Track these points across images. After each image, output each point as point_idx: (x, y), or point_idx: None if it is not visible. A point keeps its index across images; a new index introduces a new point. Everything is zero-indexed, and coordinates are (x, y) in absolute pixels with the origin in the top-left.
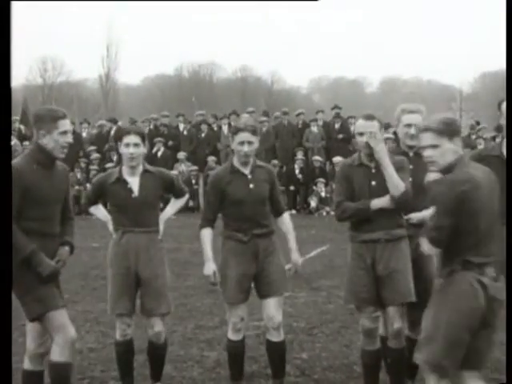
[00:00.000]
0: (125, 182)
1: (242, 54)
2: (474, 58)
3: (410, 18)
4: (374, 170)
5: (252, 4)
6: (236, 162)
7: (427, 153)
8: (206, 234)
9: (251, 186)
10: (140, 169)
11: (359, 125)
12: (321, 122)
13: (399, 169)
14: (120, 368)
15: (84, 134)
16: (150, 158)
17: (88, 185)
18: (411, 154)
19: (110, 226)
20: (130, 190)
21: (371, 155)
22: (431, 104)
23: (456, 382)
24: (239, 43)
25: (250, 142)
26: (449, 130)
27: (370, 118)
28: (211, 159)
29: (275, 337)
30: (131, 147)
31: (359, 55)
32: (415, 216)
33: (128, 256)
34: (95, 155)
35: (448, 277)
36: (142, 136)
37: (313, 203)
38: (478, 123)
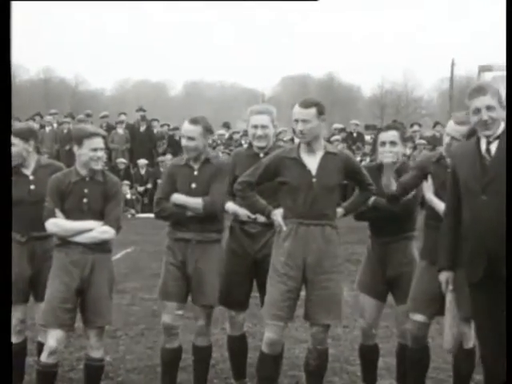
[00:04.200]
0: None
1: (45, 55)
2: (276, 62)
3: (214, 22)
4: (196, 173)
5: (56, 3)
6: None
7: None
8: None
9: (32, 187)
10: None
11: (184, 128)
12: (124, 124)
13: (217, 172)
14: None
15: None
16: None
17: None
18: (261, 154)
19: None
20: None
21: (195, 158)
22: (235, 107)
23: None
24: (44, 44)
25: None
26: None
27: (194, 122)
28: None
29: None
30: None
31: (163, 58)
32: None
33: None
34: None
35: None
36: None
37: None
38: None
